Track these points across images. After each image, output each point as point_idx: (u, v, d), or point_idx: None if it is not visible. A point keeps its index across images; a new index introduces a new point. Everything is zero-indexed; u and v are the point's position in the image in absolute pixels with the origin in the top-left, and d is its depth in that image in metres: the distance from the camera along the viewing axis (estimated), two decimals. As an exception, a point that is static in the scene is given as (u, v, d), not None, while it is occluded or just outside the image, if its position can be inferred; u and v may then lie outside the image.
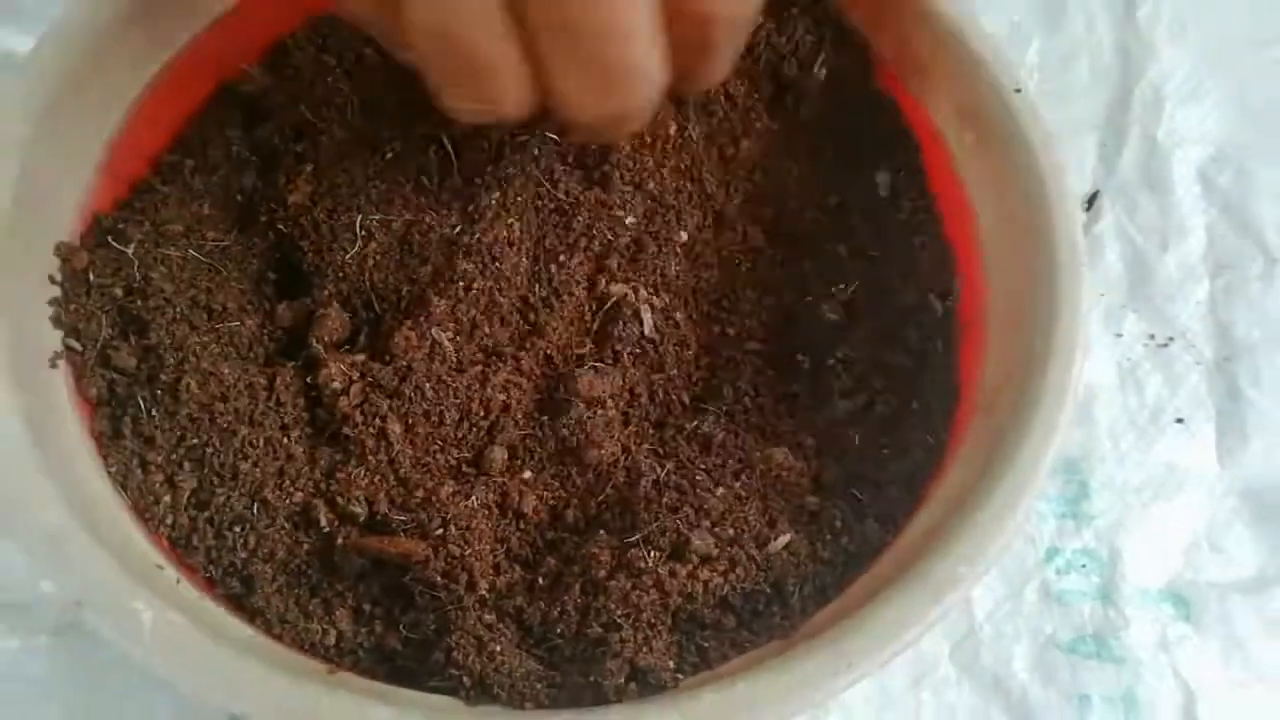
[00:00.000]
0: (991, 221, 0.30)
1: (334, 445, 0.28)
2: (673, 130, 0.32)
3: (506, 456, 0.28)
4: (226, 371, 0.28)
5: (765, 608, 0.26)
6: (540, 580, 0.27)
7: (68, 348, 0.28)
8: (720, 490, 0.28)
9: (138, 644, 0.22)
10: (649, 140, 0.32)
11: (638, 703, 0.23)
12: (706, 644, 0.25)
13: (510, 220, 0.30)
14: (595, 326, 0.31)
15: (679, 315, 0.31)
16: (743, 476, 0.28)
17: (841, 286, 0.32)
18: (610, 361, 0.30)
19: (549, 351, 0.30)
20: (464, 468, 0.28)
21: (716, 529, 0.27)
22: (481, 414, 0.29)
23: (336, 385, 0.28)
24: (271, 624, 0.26)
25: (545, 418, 0.29)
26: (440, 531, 0.27)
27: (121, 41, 0.29)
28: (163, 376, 0.28)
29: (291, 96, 0.32)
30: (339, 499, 0.27)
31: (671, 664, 0.24)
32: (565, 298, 0.30)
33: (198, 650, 0.22)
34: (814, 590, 0.26)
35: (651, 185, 0.32)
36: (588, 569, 0.26)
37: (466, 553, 0.26)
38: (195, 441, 0.27)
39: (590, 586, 0.26)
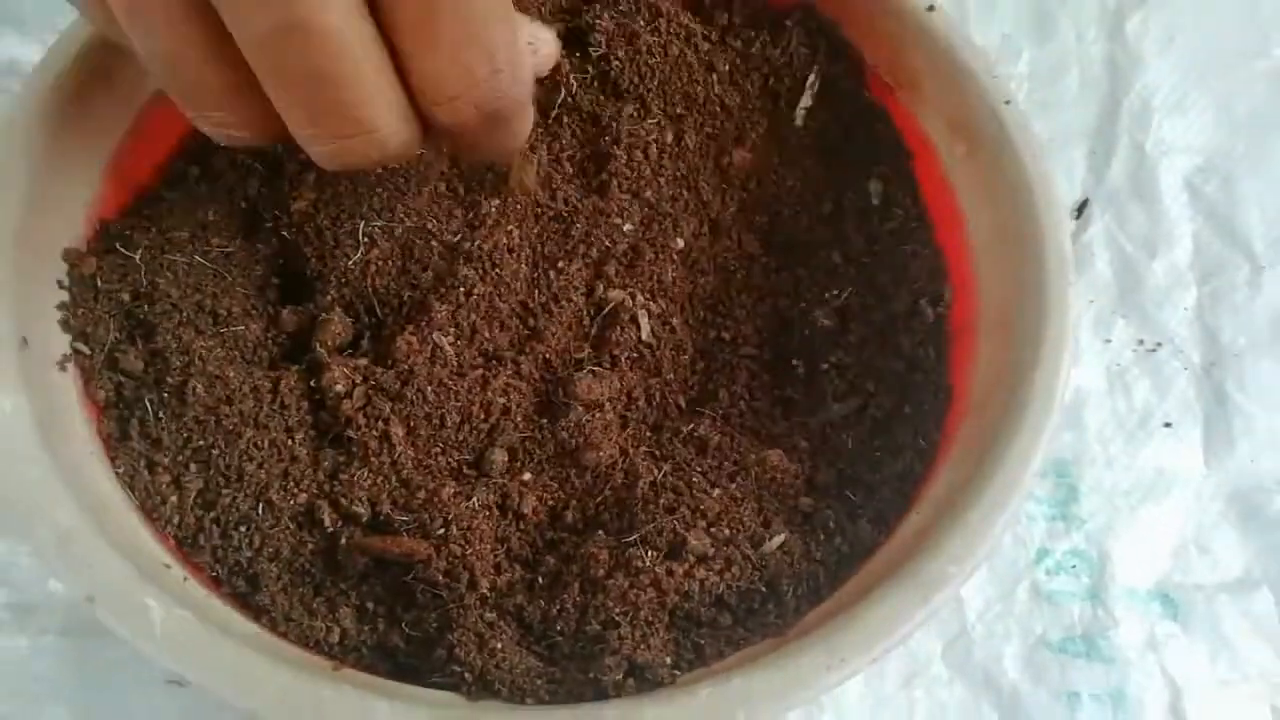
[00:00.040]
0: (982, 229, 0.31)
1: (337, 447, 0.29)
2: (670, 139, 0.33)
3: (507, 458, 0.29)
4: (232, 375, 0.29)
5: (760, 606, 0.26)
6: (540, 579, 0.27)
7: (76, 351, 0.28)
8: (716, 491, 0.28)
9: (148, 640, 0.22)
10: (646, 149, 0.33)
11: (635, 698, 0.24)
12: (703, 641, 0.25)
13: (510, 227, 0.31)
14: (593, 331, 0.31)
15: (675, 320, 0.32)
16: (738, 478, 0.29)
17: (835, 293, 0.33)
18: (608, 366, 0.31)
19: (548, 356, 0.30)
20: (465, 469, 0.29)
21: (712, 529, 0.27)
22: (482, 417, 0.29)
23: (340, 389, 0.29)
24: (277, 621, 0.26)
25: (544, 420, 0.30)
26: (442, 531, 0.27)
27: (128, 53, 0.30)
28: (169, 380, 0.28)
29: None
30: (342, 500, 0.28)
31: (668, 660, 0.25)
32: (564, 303, 0.31)
33: (206, 645, 0.23)
34: (807, 589, 0.27)
35: (649, 193, 0.33)
36: (586, 568, 0.27)
37: (468, 552, 0.27)
38: (201, 443, 0.28)
39: (589, 585, 0.26)
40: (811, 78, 0.34)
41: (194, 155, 0.32)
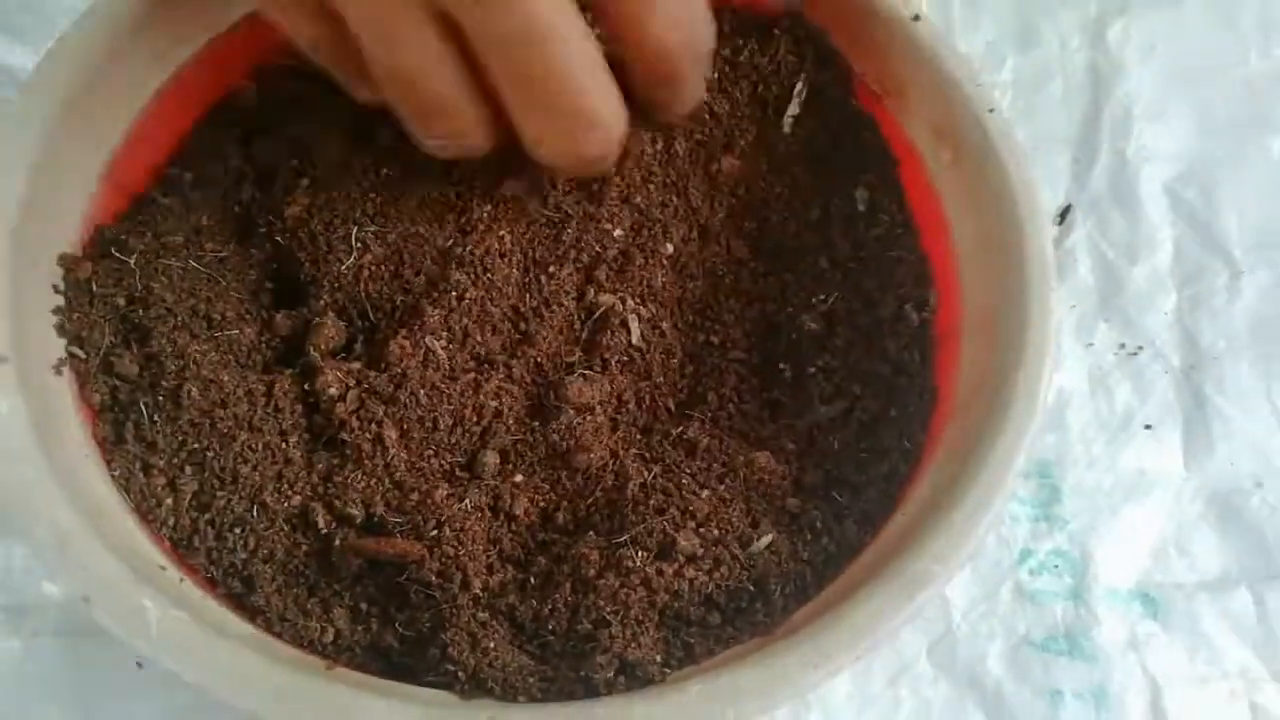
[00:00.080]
0: (967, 236, 0.31)
1: (331, 450, 0.29)
2: (660, 147, 0.33)
3: (499, 461, 0.29)
4: (226, 379, 0.29)
5: (748, 605, 0.27)
6: (532, 579, 0.27)
7: (71, 355, 0.28)
8: (705, 493, 0.29)
9: (145, 640, 0.23)
10: (636, 157, 0.33)
11: (626, 695, 0.24)
12: (692, 639, 0.26)
13: (502, 232, 0.31)
14: (584, 335, 0.32)
15: (665, 325, 0.32)
16: (727, 479, 0.29)
17: (822, 297, 0.33)
18: (599, 369, 0.31)
19: (539, 359, 0.31)
20: (457, 471, 0.29)
21: (701, 530, 0.28)
22: (474, 420, 0.30)
23: (333, 392, 0.29)
24: (271, 622, 0.26)
25: (536, 423, 0.30)
26: (435, 533, 0.27)
27: (124, 59, 0.30)
28: (164, 383, 0.28)
29: (290, 113, 0.33)
30: (336, 502, 0.28)
31: (659, 658, 0.25)
32: (555, 307, 0.31)
33: (202, 645, 0.23)
34: (795, 588, 0.27)
35: (639, 199, 0.33)
36: (578, 568, 0.27)
37: (460, 553, 0.27)
38: (196, 446, 0.28)
39: (580, 585, 0.27)
40: (799, 85, 0.35)
41: (188, 161, 0.33)
